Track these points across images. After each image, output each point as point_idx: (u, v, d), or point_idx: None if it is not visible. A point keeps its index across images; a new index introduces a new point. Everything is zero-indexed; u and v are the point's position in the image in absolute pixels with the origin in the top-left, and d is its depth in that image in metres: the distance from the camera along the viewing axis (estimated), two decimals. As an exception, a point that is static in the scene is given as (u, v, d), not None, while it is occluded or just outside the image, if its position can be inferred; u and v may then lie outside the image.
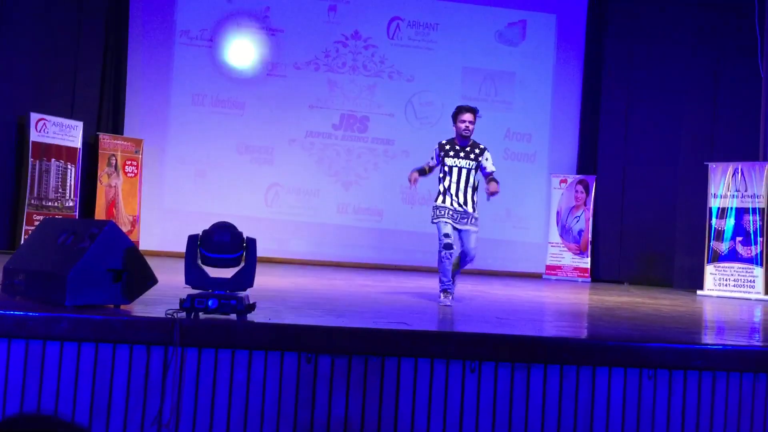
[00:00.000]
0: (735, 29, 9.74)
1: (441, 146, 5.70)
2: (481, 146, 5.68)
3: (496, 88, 11.47)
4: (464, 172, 5.57)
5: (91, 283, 3.66)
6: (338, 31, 11.21)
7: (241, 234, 3.60)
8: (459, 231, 5.59)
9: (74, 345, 3.42)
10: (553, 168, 11.46)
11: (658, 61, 10.66)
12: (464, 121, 5.57)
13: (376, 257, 10.93)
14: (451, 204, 5.57)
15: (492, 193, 5.51)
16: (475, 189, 5.63)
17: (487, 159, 5.66)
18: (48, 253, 3.98)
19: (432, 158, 5.81)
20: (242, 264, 3.60)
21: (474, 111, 5.62)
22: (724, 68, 9.94)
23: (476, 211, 5.61)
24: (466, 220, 5.57)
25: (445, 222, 5.52)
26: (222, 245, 3.51)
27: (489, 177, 5.63)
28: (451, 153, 5.63)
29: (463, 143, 5.63)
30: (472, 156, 5.61)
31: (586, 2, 11.56)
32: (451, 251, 5.50)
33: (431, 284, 7.86)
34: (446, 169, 5.62)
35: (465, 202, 5.57)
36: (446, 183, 5.60)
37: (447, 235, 5.49)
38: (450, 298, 5.56)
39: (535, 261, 11.10)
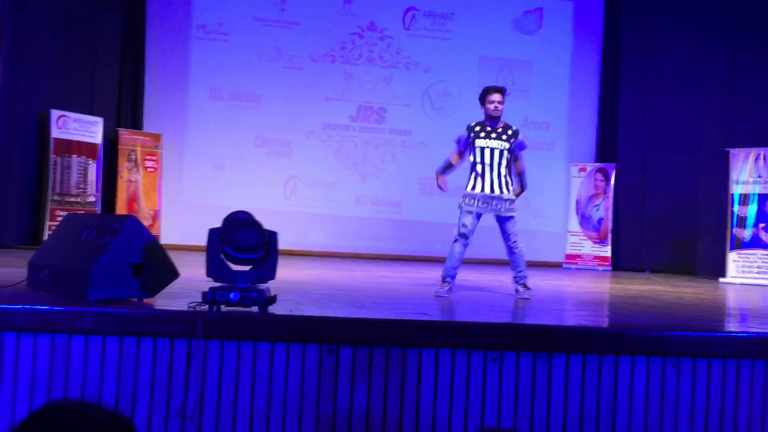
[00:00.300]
0: (754, 12, 9.59)
1: (470, 128, 5.51)
2: (514, 128, 5.51)
3: (514, 77, 11.38)
4: (497, 153, 5.35)
5: (114, 277, 3.70)
6: (354, 22, 11.18)
7: (264, 230, 3.60)
8: (496, 219, 5.43)
9: (99, 339, 3.47)
10: (572, 156, 11.38)
11: (677, 47, 10.53)
12: (493, 102, 5.41)
13: (395, 248, 10.93)
14: (482, 189, 5.36)
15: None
16: (509, 170, 5.43)
17: (522, 139, 5.55)
18: (71, 249, 4.02)
19: (458, 142, 5.58)
20: (263, 258, 3.61)
21: (502, 91, 5.47)
22: (744, 53, 9.79)
23: (512, 193, 5.41)
24: (500, 205, 5.36)
25: (468, 212, 5.39)
26: (249, 247, 3.52)
27: (518, 158, 5.52)
28: (482, 134, 5.43)
29: (493, 124, 5.45)
30: (504, 137, 5.41)
31: (603, -11, 11.43)
32: (465, 241, 5.39)
33: (451, 275, 7.85)
34: (477, 151, 5.41)
35: (499, 186, 5.36)
36: (478, 168, 5.40)
37: (464, 225, 5.38)
38: (447, 288, 5.39)
39: (554, 250, 11.04)
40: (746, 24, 9.74)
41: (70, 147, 9.23)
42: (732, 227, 9.02)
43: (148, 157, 10.18)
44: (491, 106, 5.41)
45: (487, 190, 5.33)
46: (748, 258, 8.85)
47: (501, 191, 5.33)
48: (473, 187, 5.41)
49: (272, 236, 3.63)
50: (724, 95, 10.01)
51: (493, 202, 5.34)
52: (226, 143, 10.80)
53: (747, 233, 8.90)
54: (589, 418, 3.57)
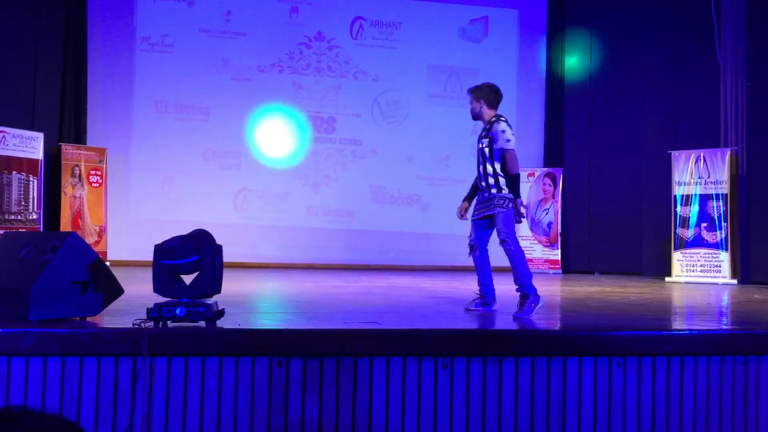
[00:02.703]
0: (693, 16, 9.90)
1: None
2: (493, 118, 4.96)
3: (462, 85, 11.49)
4: (482, 153, 4.88)
5: (56, 296, 3.60)
6: (301, 32, 11.16)
7: (194, 239, 3.54)
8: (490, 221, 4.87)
9: (40, 360, 3.36)
10: (521, 162, 11.47)
11: (619, 51, 10.81)
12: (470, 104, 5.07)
13: (348, 258, 10.92)
14: (481, 195, 4.94)
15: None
16: (493, 164, 4.82)
17: (501, 131, 4.82)
18: (10, 268, 3.90)
19: None
20: (199, 267, 3.55)
21: (469, 91, 5.14)
22: (684, 56, 10.10)
23: (502, 190, 4.77)
24: (488, 204, 4.84)
25: (472, 220, 4.98)
26: (171, 251, 3.47)
27: (501, 157, 4.82)
28: (478, 137, 5.08)
29: (485, 125, 5.02)
30: (483, 133, 4.96)
31: (546, -5, 11.67)
32: (474, 252, 4.97)
33: (403, 282, 7.87)
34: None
35: (487, 186, 4.84)
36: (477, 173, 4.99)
37: (469, 235, 5.00)
38: (474, 302, 4.99)
39: (501, 256, 11.16)
40: (686, 28, 10.05)
41: (9, 163, 8.98)
42: (675, 227, 9.27)
43: (92, 172, 9.96)
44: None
45: (481, 195, 4.93)
46: (691, 257, 9.10)
47: (488, 190, 4.82)
48: (475, 196, 5.07)
49: (205, 247, 3.55)
50: (666, 99, 10.30)
51: (483, 207, 4.88)
52: (174, 156, 10.65)
53: (690, 233, 9.15)
54: (540, 419, 3.61)
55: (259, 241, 10.82)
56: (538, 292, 4.68)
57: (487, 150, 4.86)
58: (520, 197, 4.84)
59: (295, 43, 11.13)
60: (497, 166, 4.83)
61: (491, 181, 4.83)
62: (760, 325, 4.48)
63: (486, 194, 4.85)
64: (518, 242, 4.86)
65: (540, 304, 4.64)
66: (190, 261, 3.48)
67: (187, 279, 3.63)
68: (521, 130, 11.74)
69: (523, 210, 4.87)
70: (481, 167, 4.89)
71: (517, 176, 4.84)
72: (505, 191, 4.80)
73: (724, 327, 4.51)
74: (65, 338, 3.39)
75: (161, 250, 3.51)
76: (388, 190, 11.31)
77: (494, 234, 4.90)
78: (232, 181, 10.86)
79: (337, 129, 11.22)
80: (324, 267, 10.64)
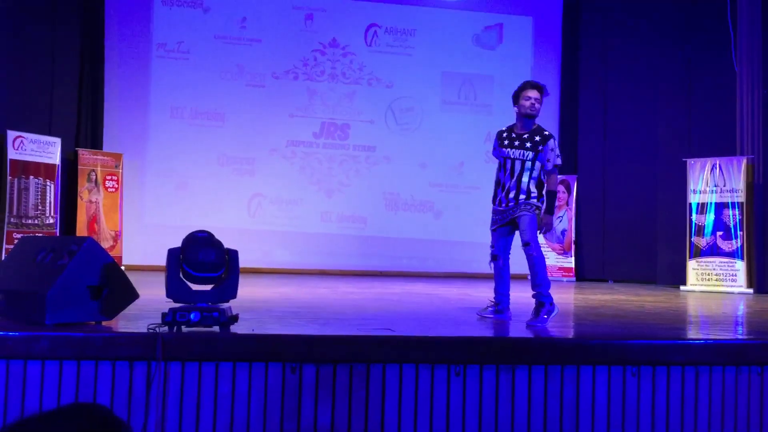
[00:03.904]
0: (708, 24, 9.85)
1: (499, 134, 4.87)
2: (546, 132, 4.74)
3: (476, 92, 11.52)
4: (518, 164, 4.68)
5: (71, 300, 3.63)
6: (316, 39, 11.21)
7: (223, 248, 3.57)
8: (512, 227, 4.78)
9: (56, 363, 3.39)
10: (535, 169, 11.49)
11: (634, 59, 10.77)
12: (529, 98, 4.69)
13: (361, 264, 10.93)
14: (500, 204, 4.79)
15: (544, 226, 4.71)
16: (531, 175, 4.69)
17: (551, 149, 4.70)
18: (27, 272, 3.94)
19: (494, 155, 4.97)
20: (223, 276, 3.58)
21: (541, 88, 4.75)
22: (699, 63, 10.04)
23: (537, 199, 4.68)
24: (514, 210, 4.70)
25: (492, 231, 4.87)
26: (207, 265, 3.48)
27: (548, 174, 4.74)
28: (506, 141, 4.79)
29: (524, 127, 4.77)
30: (528, 144, 4.70)
31: (561, 3, 11.65)
32: (497, 262, 4.87)
33: (416, 289, 7.87)
34: (501, 160, 4.80)
35: (515, 196, 4.68)
36: (498, 178, 4.83)
37: (492, 246, 4.87)
38: (488, 309, 4.94)
39: (519, 263, 11.09)
40: (700, 36, 10.00)
41: (27, 168, 9.07)
42: (690, 236, 9.21)
43: (108, 177, 10.04)
44: (527, 103, 4.71)
45: (506, 204, 4.74)
46: (706, 266, 9.03)
47: (519, 197, 4.67)
48: (494, 202, 4.88)
49: (233, 255, 3.60)
50: (681, 106, 10.25)
51: (510, 212, 4.73)
52: (189, 162, 10.71)
53: (705, 241, 9.08)
54: (553, 428, 3.59)
55: (272, 247, 10.86)
56: (554, 301, 4.66)
57: (530, 163, 4.68)
58: (553, 214, 4.78)
59: (310, 50, 11.18)
60: (534, 178, 4.70)
61: (524, 192, 4.66)
62: (777, 335, 4.44)
63: (512, 203, 4.70)
64: (540, 248, 4.77)
65: (555, 312, 4.62)
66: (221, 273, 3.53)
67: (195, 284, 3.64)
68: (535, 138, 11.72)
69: (551, 224, 4.78)
70: (515, 177, 4.69)
71: (555, 194, 4.81)
72: (534, 200, 4.70)
73: (740, 337, 4.47)
74: (80, 342, 3.42)
75: (197, 262, 3.47)
76: (401, 196, 11.31)
77: (515, 241, 4.83)
78: (246, 186, 10.91)
79: (351, 135, 11.24)
80: (337, 273, 10.66)
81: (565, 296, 7.94)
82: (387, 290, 7.73)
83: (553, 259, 11.04)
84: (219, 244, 3.56)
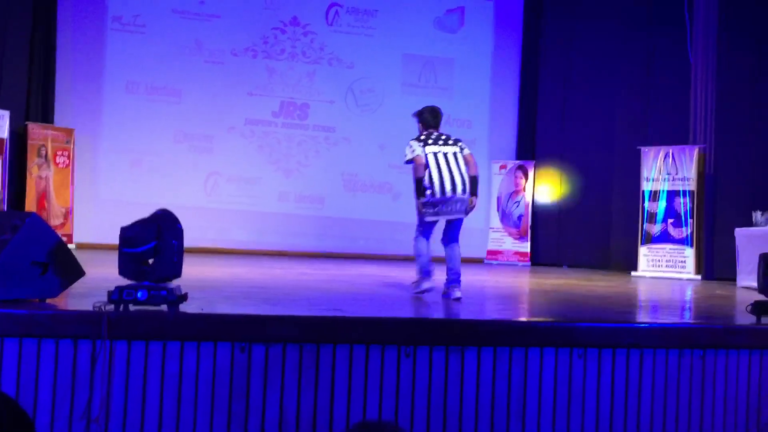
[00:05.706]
0: (669, 15, 9.99)
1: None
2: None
3: (436, 75, 11.51)
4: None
5: (15, 276, 3.54)
6: (276, 17, 11.06)
7: (154, 222, 3.48)
8: None
9: (-4, 341, 3.31)
10: (493, 154, 11.58)
11: (594, 47, 10.87)
12: None
13: (318, 245, 10.88)
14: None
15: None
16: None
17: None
18: (-32, 247, 3.82)
19: None
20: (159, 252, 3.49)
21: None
22: (659, 53, 10.20)
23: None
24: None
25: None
26: (130, 240, 3.42)
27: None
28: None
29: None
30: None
31: (523, -12, 11.67)
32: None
33: (371, 271, 7.88)
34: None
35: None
36: None
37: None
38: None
39: (476, 246, 11.21)
40: (661, 26, 10.14)
41: (-26, 141, 8.79)
42: (643, 223, 9.39)
43: (59, 153, 9.79)
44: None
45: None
46: (657, 252, 9.22)
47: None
48: None
49: (166, 230, 3.48)
50: (638, 95, 10.40)
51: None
52: (144, 138, 10.51)
53: (656, 228, 9.27)
54: (501, 409, 3.64)
55: (228, 226, 10.74)
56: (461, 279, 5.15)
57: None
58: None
59: (270, 28, 11.02)
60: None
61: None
62: (719, 319, 4.56)
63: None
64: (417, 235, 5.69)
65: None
66: (150, 248, 3.43)
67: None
68: (494, 122, 11.79)
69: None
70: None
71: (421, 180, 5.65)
72: None
73: (683, 321, 4.59)
74: (24, 319, 3.35)
75: (123, 238, 3.45)
76: (360, 177, 11.28)
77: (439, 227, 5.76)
78: (203, 164, 10.75)
79: (311, 115, 11.15)
80: (293, 254, 10.60)
81: (519, 280, 8.04)
82: (341, 272, 7.72)
83: (509, 243, 11.15)
84: (151, 219, 3.48)
